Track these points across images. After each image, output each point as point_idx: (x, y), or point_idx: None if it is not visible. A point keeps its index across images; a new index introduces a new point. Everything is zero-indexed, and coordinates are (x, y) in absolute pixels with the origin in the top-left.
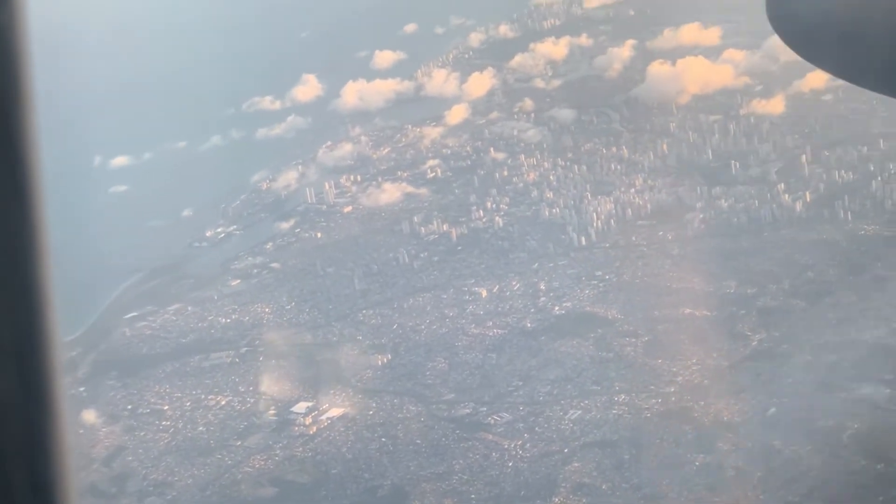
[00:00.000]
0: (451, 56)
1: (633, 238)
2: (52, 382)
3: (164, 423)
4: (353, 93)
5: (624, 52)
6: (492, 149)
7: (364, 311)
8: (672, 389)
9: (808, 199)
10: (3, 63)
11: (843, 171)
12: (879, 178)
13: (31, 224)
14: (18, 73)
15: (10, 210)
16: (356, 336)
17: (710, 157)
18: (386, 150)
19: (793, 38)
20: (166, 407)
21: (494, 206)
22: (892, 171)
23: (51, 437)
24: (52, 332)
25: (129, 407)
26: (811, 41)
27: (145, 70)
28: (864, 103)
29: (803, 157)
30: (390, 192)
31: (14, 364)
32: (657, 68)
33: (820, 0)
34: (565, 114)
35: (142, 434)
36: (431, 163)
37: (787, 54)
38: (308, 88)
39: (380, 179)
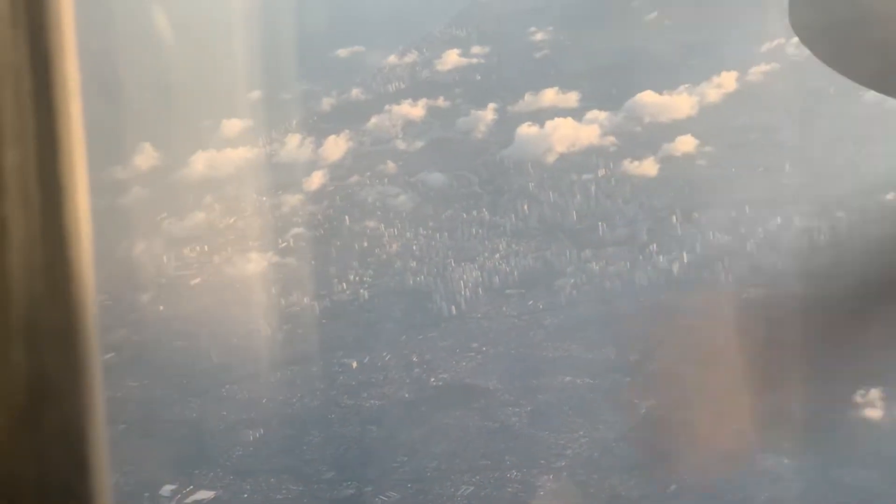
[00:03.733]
0: (301, 121)
1: (504, 308)
2: (88, 365)
3: None
4: (202, 161)
5: (487, 114)
6: (347, 217)
7: (227, 387)
8: (563, 464)
9: (686, 261)
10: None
11: (717, 233)
12: (752, 241)
13: (71, 209)
14: (59, 52)
15: (51, 193)
16: (220, 412)
17: (575, 218)
18: (237, 220)
19: (816, 45)
20: None
21: (357, 277)
22: (763, 235)
23: (87, 417)
24: (90, 316)
25: None
26: (833, 47)
27: None
28: (727, 169)
29: (674, 217)
30: (245, 264)
31: (52, 346)
32: (526, 130)
33: (842, 7)
34: (431, 178)
35: None
36: (292, 231)
37: (651, 116)
38: (145, 157)
39: (231, 250)
